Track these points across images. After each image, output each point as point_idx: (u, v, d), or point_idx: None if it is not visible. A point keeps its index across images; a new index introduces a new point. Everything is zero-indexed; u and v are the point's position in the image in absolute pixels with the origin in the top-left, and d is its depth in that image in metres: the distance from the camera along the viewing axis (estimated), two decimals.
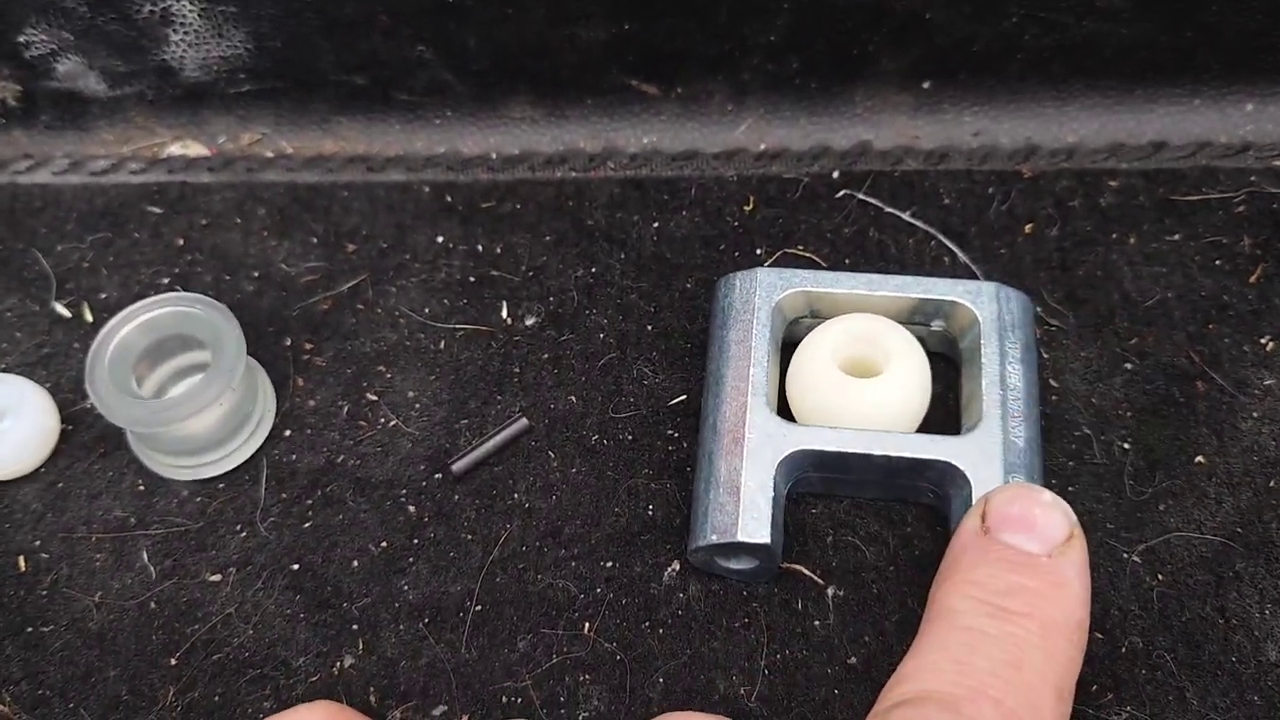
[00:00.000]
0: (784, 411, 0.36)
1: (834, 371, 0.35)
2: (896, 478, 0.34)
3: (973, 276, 0.40)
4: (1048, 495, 0.30)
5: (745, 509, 0.33)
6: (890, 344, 0.35)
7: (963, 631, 0.28)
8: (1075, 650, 0.28)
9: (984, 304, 0.35)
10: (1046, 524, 0.29)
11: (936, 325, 0.37)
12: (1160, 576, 0.34)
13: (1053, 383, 0.37)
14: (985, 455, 0.33)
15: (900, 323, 0.36)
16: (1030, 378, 0.35)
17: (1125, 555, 0.34)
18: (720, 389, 0.35)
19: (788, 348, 0.37)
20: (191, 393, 0.34)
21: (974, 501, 0.32)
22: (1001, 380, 0.34)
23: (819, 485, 0.35)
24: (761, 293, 0.36)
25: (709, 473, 0.34)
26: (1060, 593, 0.28)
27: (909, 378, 0.35)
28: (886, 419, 0.34)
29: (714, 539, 0.33)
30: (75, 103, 0.45)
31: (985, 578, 0.29)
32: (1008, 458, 0.33)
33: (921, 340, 0.36)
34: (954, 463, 0.33)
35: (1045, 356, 0.38)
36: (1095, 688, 0.33)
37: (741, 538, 0.32)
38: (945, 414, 0.37)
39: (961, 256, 0.40)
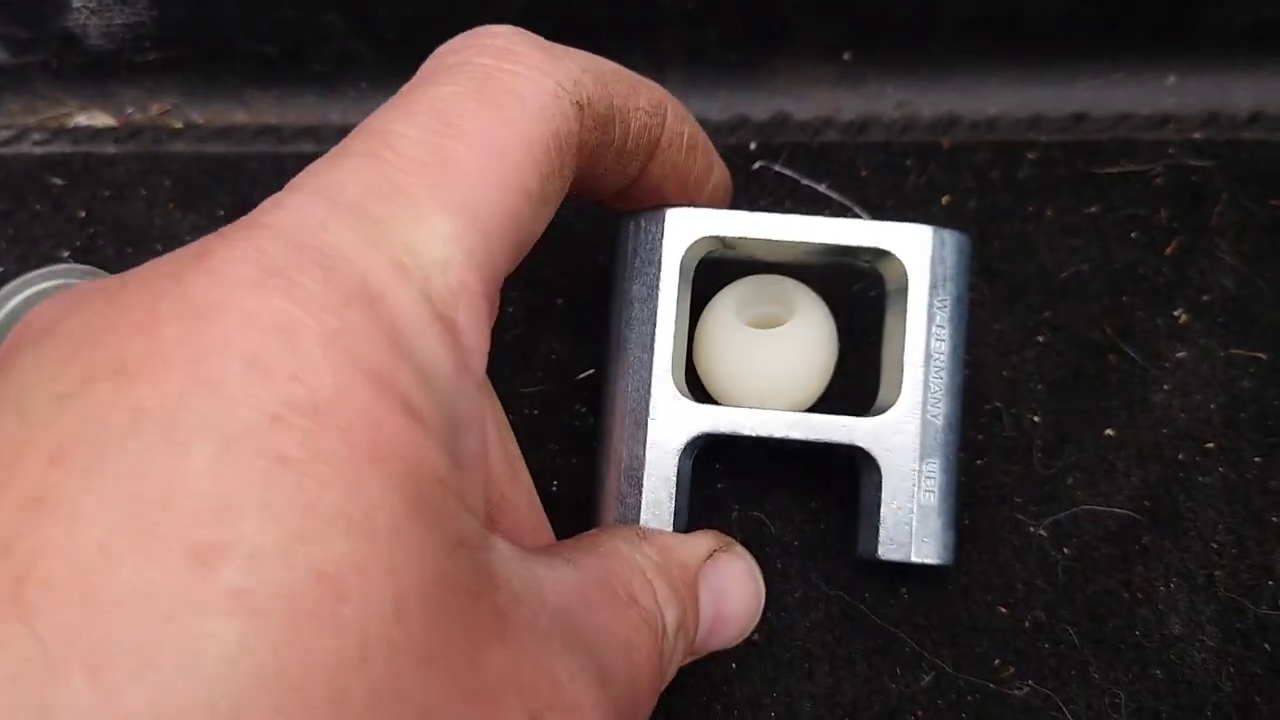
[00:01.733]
0: (690, 371, 0.35)
1: (739, 326, 0.34)
2: (800, 453, 0.33)
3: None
4: None
5: (647, 505, 0.31)
6: (795, 300, 0.34)
7: None
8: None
9: (914, 255, 0.32)
10: None
11: (864, 261, 0.34)
12: (1066, 550, 0.34)
13: (967, 357, 0.37)
14: (899, 442, 0.31)
15: (824, 271, 0.36)
16: (957, 340, 0.32)
17: (1032, 529, 0.34)
18: (623, 357, 0.33)
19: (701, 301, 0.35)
20: None
21: (883, 491, 0.31)
22: (925, 352, 0.32)
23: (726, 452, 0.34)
24: (670, 239, 0.32)
25: (609, 454, 0.33)
26: None
27: (812, 332, 0.34)
28: (792, 367, 0.33)
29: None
30: None
31: None
32: (923, 441, 0.31)
33: (846, 296, 0.35)
34: (865, 448, 0.32)
35: (970, 296, 0.37)
36: (998, 661, 0.32)
37: (645, 525, 0.31)
38: (871, 372, 0.36)
39: None
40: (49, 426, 0.17)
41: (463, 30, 0.42)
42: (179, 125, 0.44)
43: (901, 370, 0.32)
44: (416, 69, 0.43)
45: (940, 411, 0.32)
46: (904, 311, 0.32)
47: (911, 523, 0.31)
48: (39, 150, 0.43)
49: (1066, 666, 0.32)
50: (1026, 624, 0.33)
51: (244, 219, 0.21)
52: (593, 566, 0.25)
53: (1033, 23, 0.42)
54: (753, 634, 0.33)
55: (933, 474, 0.31)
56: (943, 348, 0.32)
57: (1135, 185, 0.40)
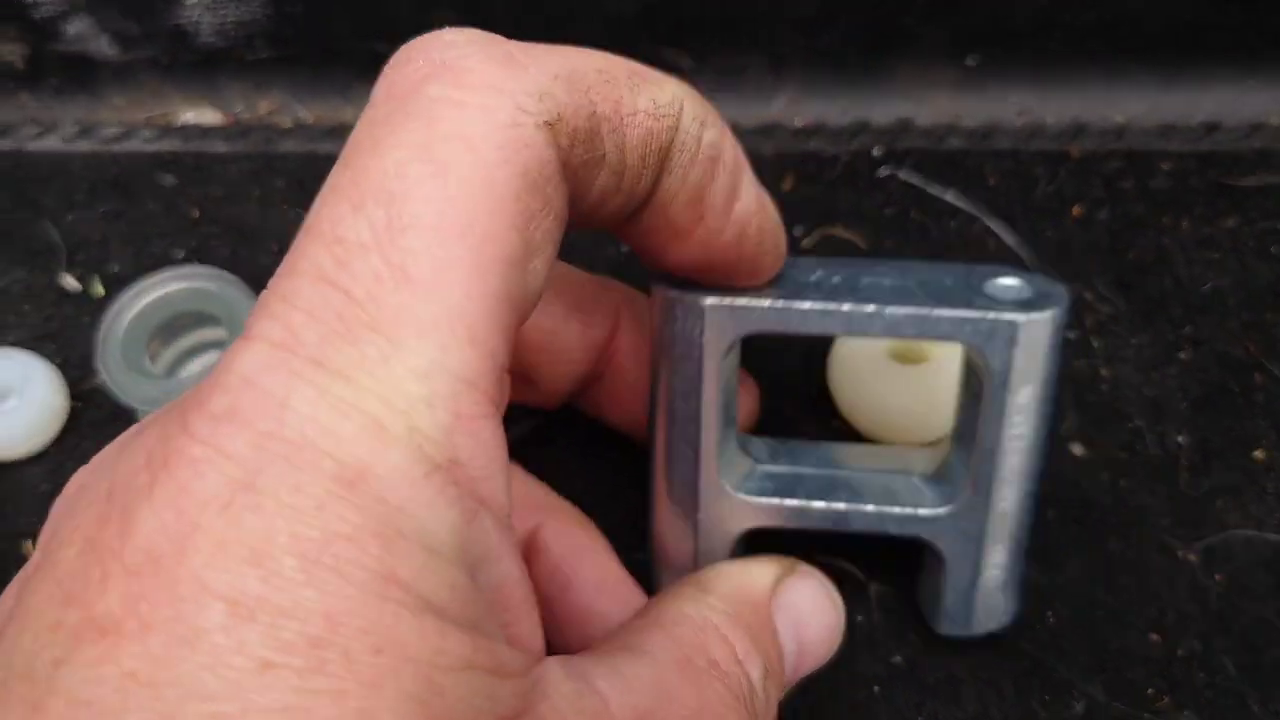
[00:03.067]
0: (826, 392, 0.34)
1: (879, 356, 0.33)
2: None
3: (1018, 259, 0.38)
4: None
5: None
6: None
7: None
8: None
9: (996, 351, 0.27)
10: None
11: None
12: (1219, 576, 0.33)
13: (1103, 371, 0.36)
14: (963, 533, 0.29)
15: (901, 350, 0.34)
16: (1038, 425, 0.28)
17: (1182, 554, 0.33)
18: (669, 448, 0.29)
19: None
20: (206, 371, 0.33)
21: (946, 576, 0.30)
22: (997, 444, 0.28)
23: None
24: (711, 337, 0.27)
25: (663, 544, 0.31)
26: None
27: (958, 364, 0.33)
28: (930, 408, 0.33)
29: None
30: (85, 66, 0.43)
31: None
32: (989, 530, 0.29)
33: None
34: (930, 540, 0.30)
35: (1096, 345, 0.36)
36: (1151, 691, 0.31)
37: None
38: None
39: (1006, 240, 0.38)
40: (55, 694, 0.17)
41: (581, 31, 0.41)
42: (288, 124, 0.43)
43: (970, 457, 0.28)
44: None
45: (1012, 497, 0.29)
46: (979, 395, 0.28)
47: (973, 606, 0.30)
48: (149, 148, 0.42)
49: (1224, 697, 0.31)
50: (1180, 652, 0.32)
51: (208, 399, 0.19)
52: (663, 645, 0.24)
53: (1161, 28, 0.41)
54: (894, 655, 0.32)
55: (999, 560, 0.30)
56: (1019, 441, 0.28)
57: (1272, 198, 0.39)
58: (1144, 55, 0.42)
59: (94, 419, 0.36)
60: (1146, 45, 0.41)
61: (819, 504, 0.30)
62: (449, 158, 0.19)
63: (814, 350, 0.36)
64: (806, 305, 0.27)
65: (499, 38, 0.21)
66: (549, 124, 0.20)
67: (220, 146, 0.42)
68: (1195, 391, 0.35)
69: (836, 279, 0.28)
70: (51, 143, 0.43)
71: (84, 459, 0.35)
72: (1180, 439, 0.35)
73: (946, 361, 0.33)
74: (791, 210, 0.40)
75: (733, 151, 0.25)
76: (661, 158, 0.23)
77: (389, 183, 0.19)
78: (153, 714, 0.16)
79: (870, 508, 0.30)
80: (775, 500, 0.30)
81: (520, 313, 0.21)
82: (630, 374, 0.32)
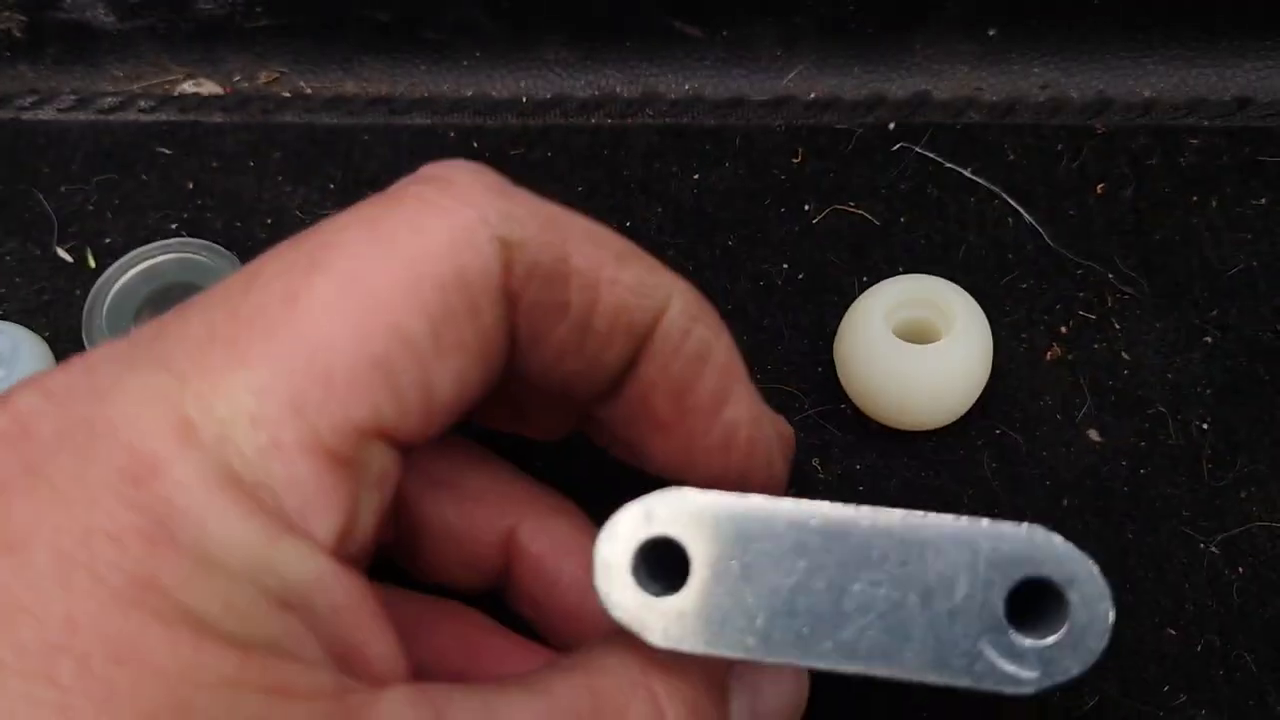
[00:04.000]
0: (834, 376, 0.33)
1: (886, 335, 0.32)
2: None
3: (1039, 237, 0.36)
4: None
5: None
6: (952, 308, 0.32)
7: None
8: None
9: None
10: None
11: None
12: (1241, 570, 0.31)
13: (1125, 355, 0.34)
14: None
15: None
16: None
17: (1203, 546, 0.32)
18: None
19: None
20: None
21: None
22: None
23: None
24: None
25: None
26: None
27: (969, 347, 0.32)
28: (942, 385, 0.31)
29: None
30: (84, 35, 0.42)
31: None
32: None
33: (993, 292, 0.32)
34: None
35: (1117, 327, 0.35)
36: (1168, 688, 0.30)
37: None
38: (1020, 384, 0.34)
39: (1027, 217, 0.37)
40: None
41: (585, 2, 0.40)
42: (287, 94, 0.42)
43: None
44: (538, 40, 0.42)
45: None
46: None
47: None
48: (146, 118, 0.42)
49: (1243, 695, 0.29)
50: (1198, 648, 0.30)
51: (44, 375, 0.19)
52: (571, 691, 0.21)
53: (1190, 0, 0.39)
54: None
55: None
56: None
57: None
58: (1173, 27, 0.40)
59: None
60: (1175, 17, 0.40)
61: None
62: (390, 233, 0.19)
63: (821, 331, 0.35)
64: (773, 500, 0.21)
65: (502, 177, 0.22)
66: (505, 241, 0.20)
67: (218, 117, 0.41)
68: (1220, 378, 0.34)
69: (819, 583, 0.21)
70: (47, 113, 0.42)
71: None
72: (1204, 426, 0.33)
73: (959, 341, 0.32)
74: (802, 186, 0.38)
75: (727, 355, 0.23)
76: (637, 339, 0.22)
77: (327, 236, 0.20)
78: None
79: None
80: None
81: (410, 397, 0.19)
82: (546, 575, 0.27)
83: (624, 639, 0.22)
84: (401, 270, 0.19)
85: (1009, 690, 0.21)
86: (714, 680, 0.23)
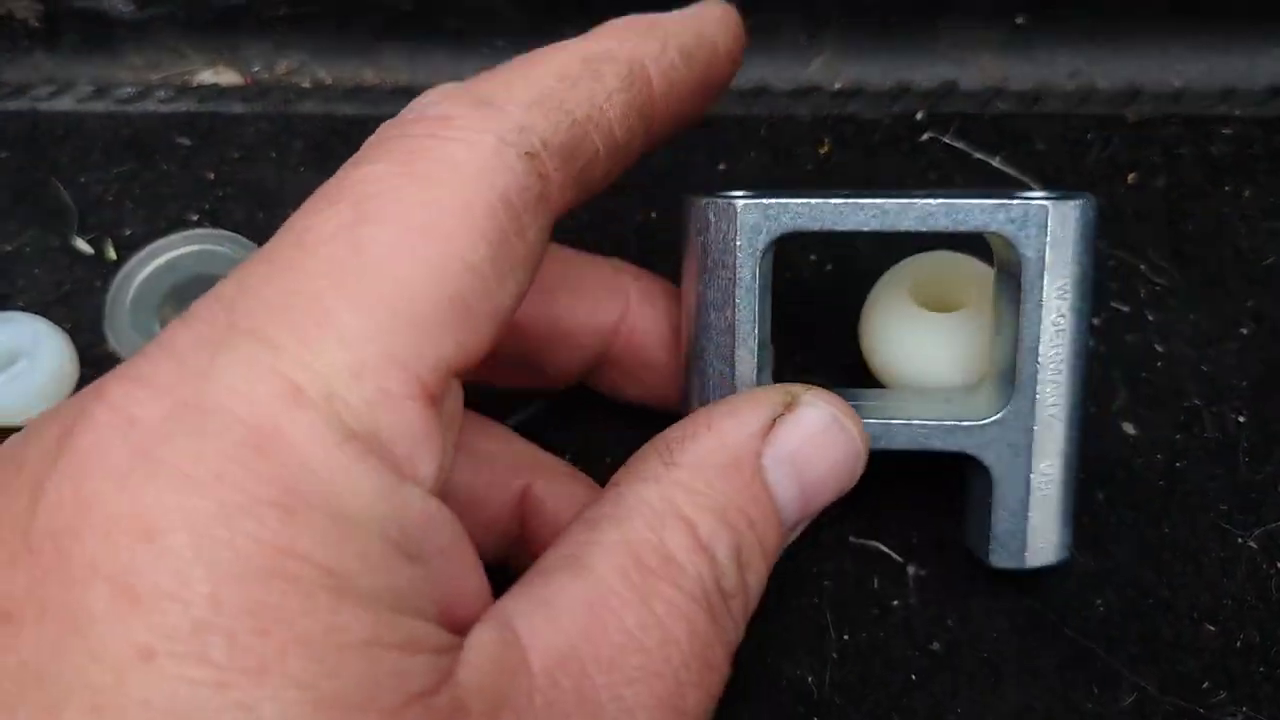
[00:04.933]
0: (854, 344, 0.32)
1: (910, 306, 0.31)
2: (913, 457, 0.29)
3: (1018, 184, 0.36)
4: None
5: None
6: (974, 280, 0.31)
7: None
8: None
9: (1029, 239, 0.27)
10: None
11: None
12: (1279, 565, 0.31)
13: (1158, 347, 0.34)
14: (1011, 446, 0.28)
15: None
16: (1079, 324, 0.28)
17: (1240, 540, 0.31)
18: (703, 370, 0.28)
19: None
20: None
21: (994, 498, 0.28)
22: (1037, 344, 0.27)
23: None
24: (745, 241, 0.27)
25: None
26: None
27: (988, 316, 0.31)
28: (965, 360, 0.31)
29: None
30: (101, 24, 0.42)
31: None
32: (1037, 443, 0.28)
33: None
34: (975, 455, 0.28)
35: (1150, 319, 0.34)
36: (1207, 685, 0.30)
37: None
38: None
39: None
40: None
41: None
42: (307, 84, 0.42)
43: (1014, 367, 0.28)
44: (559, 27, 0.41)
45: (1059, 406, 0.28)
46: (1016, 299, 0.28)
47: (1025, 531, 0.28)
48: (165, 108, 0.41)
49: None
50: (1238, 644, 0.30)
51: (130, 365, 0.19)
52: (609, 549, 0.22)
53: None
54: (934, 643, 0.30)
55: (1049, 474, 0.28)
56: (1061, 338, 0.27)
57: None
58: (1203, 14, 0.39)
59: None
60: (1205, 4, 0.39)
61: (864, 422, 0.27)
62: (428, 172, 0.20)
63: (843, 306, 0.34)
64: (838, 200, 0.28)
65: (466, 85, 0.22)
66: (529, 155, 0.21)
67: (238, 107, 0.41)
68: (1256, 369, 0.34)
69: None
70: (66, 103, 0.41)
71: None
72: (1240, 419, 0.33)
73: (981, 309, 0.31)
74: (829, 176, 0.38)
75: (695, 31, 0.27)
76: (649, 107, 0.25)
77: (363, 186, 0.20)
78: (39, 708, 0.16)
79: (913, 421, 0.28)
80: None
81: (484, 326, 0.20)
82: (644, 352, 0.30)
83: (639, 469, 0.23)
84: (454, 206, 0.20)
85: (1023, 201, 0.27)
86: (740, 473, 0.23)
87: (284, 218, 0.38)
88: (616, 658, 0.20)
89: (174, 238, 0.33)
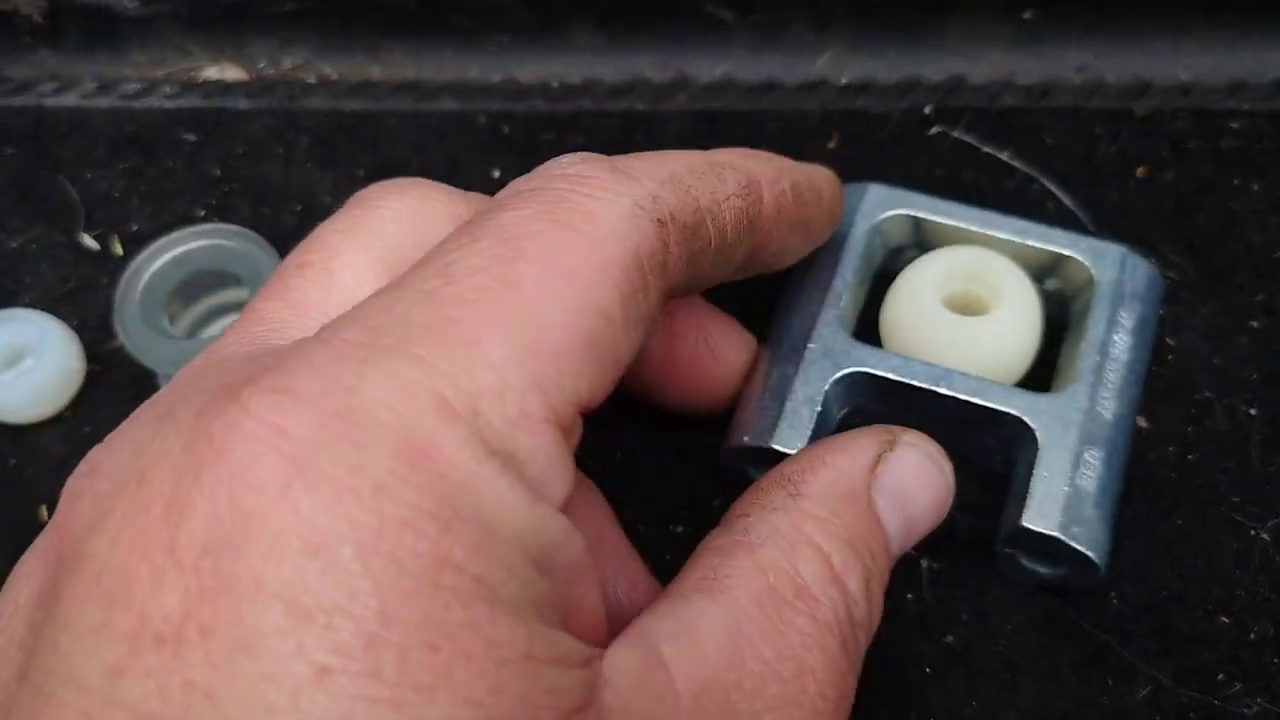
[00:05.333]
0: (875, 343, 0.32)
1: (935, 304, 0.31)
2: (963, 427, 0.31)
3: (1079, 222, 0.36)
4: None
5: (787, 416, 0.30)
6: (1003, 283, 0.31)
7: None
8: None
9: (1105, 267, 0.31)
10: None
11: (1050, 284, 0.33)
12: None
13: (1169, 340, 0.34)
14: (1062, 419, 0.29)
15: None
16: (1138, 355, 0.31)
17: (1253, 532, 0.31)
18: (796, 300, 0.32)
19: (884, 280, 0.33)
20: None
21: (1038, 464, 0.29)
22: (1102, 348, 0.30)
23: (879, 421, 0.32)
24: (865, 209, 0.32)
25: (761, 380, 0.31)
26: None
27: (1019, 322, 0.31)
28: (985, 362, 0.31)
29: (745, 440, 0.30)
30: (105, 20, 0.41)
31: None
32: (1088, 427, 0.29)
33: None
34: (1026, 419, 0.29)
35: (1161, 313, 0.34)
36: (1221, 676, 0.29)
37: (775, 444, 0.29)
38: (1041, 378, 0.33)
39: (1066, 202, 0.37)
40: (114, 706, 0.16)
41: None
42: (312, 80, 0.42)
43: (1076, 362, 0.30)
44: (567, 24, 0.41)
45: (1110, 407, 0.30)
46: (1086, 315, 0.31)
47: (1062, 500, 0.28)
48: (170, 104, 0.41)
49: None
50: (1252, 636, 0.30)
51: (266, 377, 0.18)
52: (746, 575, 0.22)
53: None
54: (948, 636, 0.30)
55: (1093, 462, 0.29)
56: (1121, 353, 0.30)
57: None
58: (1211, 7, 0.39)
59: (112, 383, 0.35)
60: None
61: (925, 365, 0.30)
62: (571, 221, 0.21)
63: (861, 321, 0.34)
64: (951, 203, 0.33)
65: (600, 156, 0.24)
66: (660, 222, 0.22)
67: (243, 103, 0.41)
68: (1267, 362, 0.33)
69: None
70: (70, 99, 0.41)
71: (101, 424, 0.34)
72: (1251, 412, 0.33)
73: (1010, 314, 0.31)
74: (838, 171, 0.38)
75: (809, 176, 0.30)
76: (754, 224, 0.26)
77: (509, 228, 0.21)
78: None
79: (973, 377, 0.30)
80: (883, 352, 0.31)
81: (603, 373, 0.21)
82: (695, 365, 0.32)
83: (764, 500, 0.24)
84: (595, 256, 0.21)
85: (1104, 243, 0.32)
86: (859, 504, 0.25)
87: (290, 213, 0.38)
88: (757, 687, 0.21)
89: (183, 232, 0.33)
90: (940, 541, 0.31)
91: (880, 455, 0.26)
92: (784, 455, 0.29)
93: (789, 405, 0.30)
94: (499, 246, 0.20)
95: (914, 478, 0.26)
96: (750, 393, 0.31)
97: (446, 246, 0.21)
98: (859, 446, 0.26)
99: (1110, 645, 0.30)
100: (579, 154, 0.24)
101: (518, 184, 0.23)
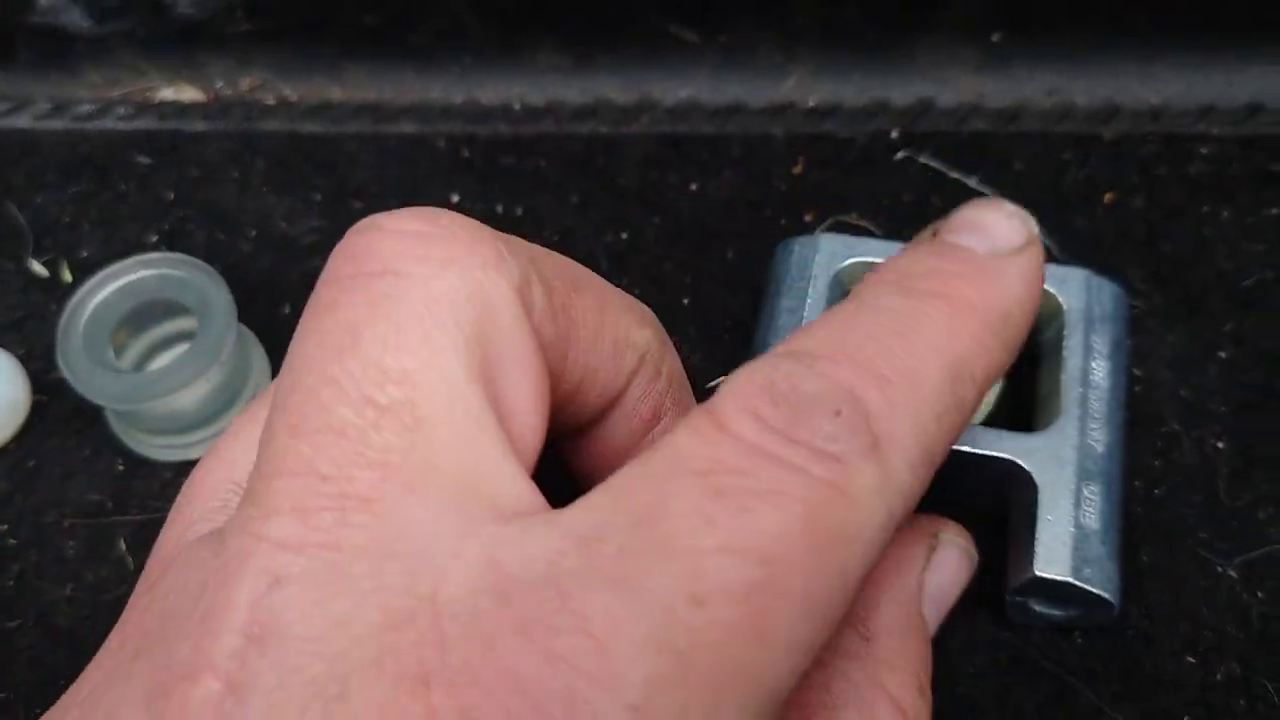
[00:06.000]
0: None
1: None
2: (954, 474, 0.30)
3: (1046, 249, 0.35)
4: (1010, 206, 0.24)
5: None
6: None
7: (857, 305, 0.22)
8: (992, 338, 0.22)
9: (1071, 292, 0.31)
10: (997, 227, 0.24)
11: None
12: (1260, 594, 0.30)
13: (1137, 371, 0.33)
14: (1057, 459, 0.29)
15: None
16: (1118, 379, 0.30)
17: (1220, 569, 0.30)
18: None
19: None
20: (175, 367, 0.31)
21: (1039, 508, 0.28)
22: (1083, 377, 0.30)
23: None
24: (821, 260, 0.32)
25: None
26: (988, 280, 0.23)
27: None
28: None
29: None
30: (58, 40, 0.41)
31: (906, 264, 0.23)
32: (1083, 463, 0.29)
33: None
34: (1020, 463, 0.29)
35: (1128, 342, 0.34)
36: (1187, 718, 0.29)
37: None
38: (1014, 412, 0.33)
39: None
40: None
41: (579, 5, 0.39)
42: (271, 101, 0.41)
43: (1059, 396, 0.30)
44: (529, 44, 0.41)
45: (1101, 439, 0.29)
46: (1060, 343, 0.31)
47: (1070, 542, 0.28)
48: (124, 126, 0.40)
49: None
50: (1219, 677, 0.29)
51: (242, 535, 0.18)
52: None
53: (1204, 2, 0.38)
54: None
55: (1093, 498, 0.28)
56: (1102, 380, 0.30)
57: None
58: (1181, 32, 0.39)
59: (59, 413, 0.34)
60: (1184, 21, 0.39)
61: None
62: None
63: None
64: (905, 244, 0.31)
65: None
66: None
67: (199, 125, 0.40)
68: (1236, 394, 0.33)
69: None
70: (22, 120, 0.40)
71: (47, 456, 0.33)
72: (1219, 445, 0.32)
73: None
74: (803, 196, 0.37)
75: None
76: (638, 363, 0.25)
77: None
78: None
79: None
80: None
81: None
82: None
83: (841, 655, 0.24)
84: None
85: (1066, 267, 0.32)
86: (918, 633, 0.25)
87: (245, 239, 0.37)
88: None
89: (130, 261, 0.32)
90: None
91: (926, 561, 0.26)
92: None
93: None
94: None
95: (952, 576, 0.27)
96: None
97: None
98: (910, 561, 0.26)
99: (1073, 686, 0.29)
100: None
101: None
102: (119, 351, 0.33)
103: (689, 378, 0.34)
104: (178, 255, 0.33)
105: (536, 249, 0.23)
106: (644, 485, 0.18)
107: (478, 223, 0.21)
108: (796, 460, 0.18)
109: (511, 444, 0.20)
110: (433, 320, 0.19)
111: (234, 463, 0.23)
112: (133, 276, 0.32)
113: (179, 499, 0.23)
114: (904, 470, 0.20)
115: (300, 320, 0.20)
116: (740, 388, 0.19)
